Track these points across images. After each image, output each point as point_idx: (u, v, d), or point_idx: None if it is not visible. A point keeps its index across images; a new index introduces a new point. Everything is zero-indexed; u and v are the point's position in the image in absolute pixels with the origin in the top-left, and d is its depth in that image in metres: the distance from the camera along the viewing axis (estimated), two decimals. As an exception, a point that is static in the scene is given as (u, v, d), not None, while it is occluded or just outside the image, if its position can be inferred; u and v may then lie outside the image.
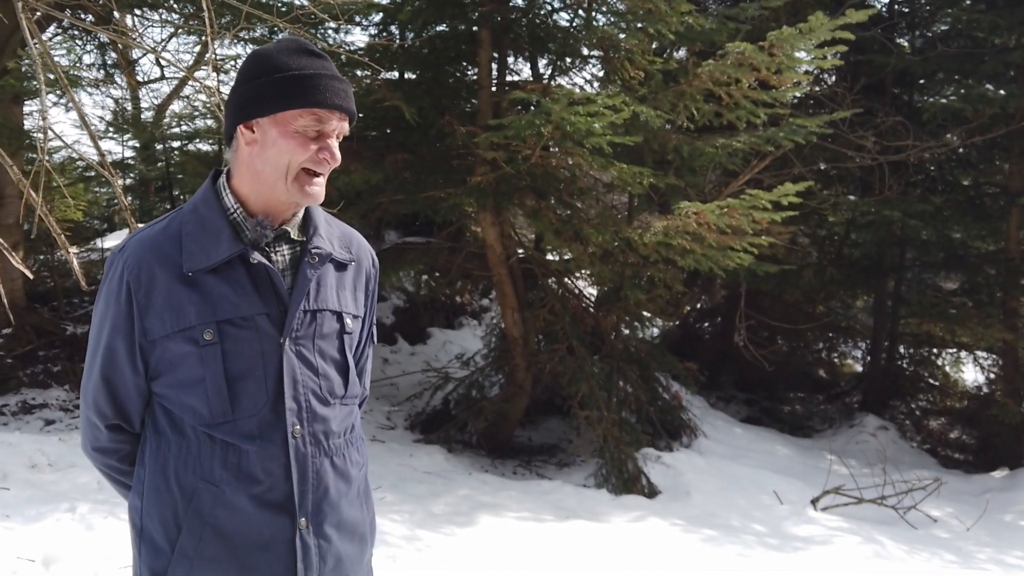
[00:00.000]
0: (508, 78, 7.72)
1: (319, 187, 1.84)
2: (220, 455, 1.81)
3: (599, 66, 7.68)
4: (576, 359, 7.37)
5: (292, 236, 1.90)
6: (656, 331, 11.29)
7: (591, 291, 9.20)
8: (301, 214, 1.93)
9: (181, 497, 1.80)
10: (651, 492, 6.76)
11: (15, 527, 4.43)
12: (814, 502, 6.83)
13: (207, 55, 10.64)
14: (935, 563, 5.92)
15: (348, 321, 1.97)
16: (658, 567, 5.12)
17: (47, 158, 3.64)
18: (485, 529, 5.54)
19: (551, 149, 6.55)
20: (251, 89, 1.82)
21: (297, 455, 1.84)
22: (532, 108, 6.30)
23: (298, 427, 1.85)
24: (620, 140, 6.03)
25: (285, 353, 1.83)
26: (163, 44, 10.04)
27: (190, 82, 10.13)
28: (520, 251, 8.05)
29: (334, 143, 1.84)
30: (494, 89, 7.26)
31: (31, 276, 3.24)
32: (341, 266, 1.98)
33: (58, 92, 8.39)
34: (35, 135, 8.33)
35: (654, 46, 7.39)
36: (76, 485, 5.24)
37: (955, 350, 11.78)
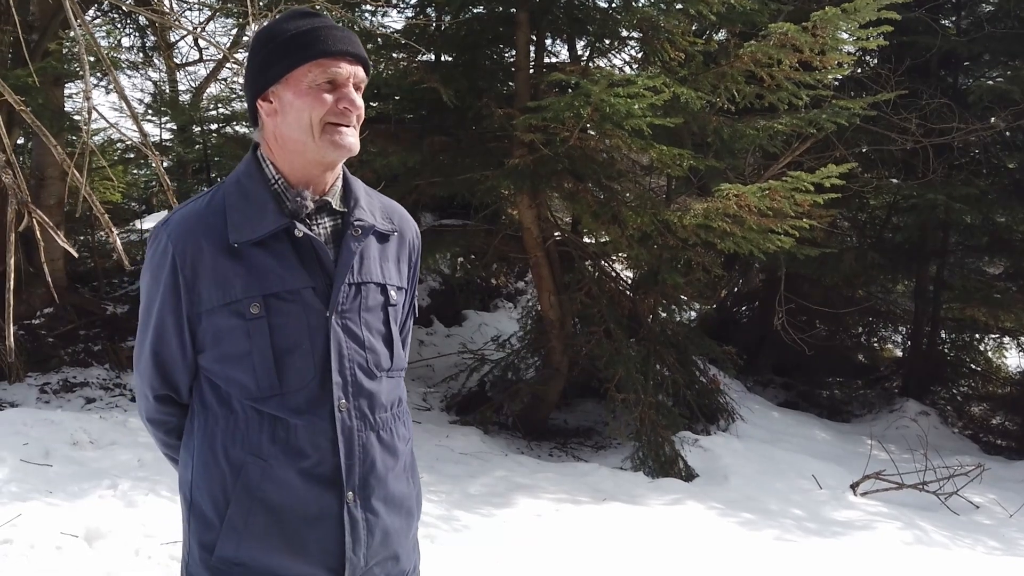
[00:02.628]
0: (546, 60, 7.68)
1: (351, 136, 1.82)
2: (268, 429, 1.80)
3: (638, 48, 7.62)
4: (613, 342, 7.34)
5: (334, 207, 1.88)
6: (693, 315, 11.23)
7: (628, 274, 9.14)
8: (340, 184, 1.91)
9: (229, 471, 1.80)
10: (688, 475, 6.73)
11: (58, 503, 4.49)
12: (854, 487, 6.76)
13: (244, 37, 10.70)
14: (979, 549, 5.84)
15: (392, 293, 1.95)
16: (695, 549, 5.09)
17: (89, 139, 3.68)
18: (522, 510, 5.54)
19: (589, 131, 6.51)
20: (257, 62, 1.84)
21: (343, 429, 1.83)
22: (571, 90, 6.26)
23: (344, 401, 1.83)
24: (660, 122, 5.97)
25: (332, 327, 1.82)
26: (201, 26, 10.09)
27: (228, 64, 10.16)
28: (557, 234, 8.01)
29: (352, 91, 1.82)
30: (532, 71, 7.23)
31: (76, 255, 3.27)
32: (383, 237, 1.96)
33: (99, 74, 8.45)
34: (77, 117, 8.40)
35: (694, 27, 7.31)
36: (117, 462, 5.30)
37: (998, 335, 11.66)
